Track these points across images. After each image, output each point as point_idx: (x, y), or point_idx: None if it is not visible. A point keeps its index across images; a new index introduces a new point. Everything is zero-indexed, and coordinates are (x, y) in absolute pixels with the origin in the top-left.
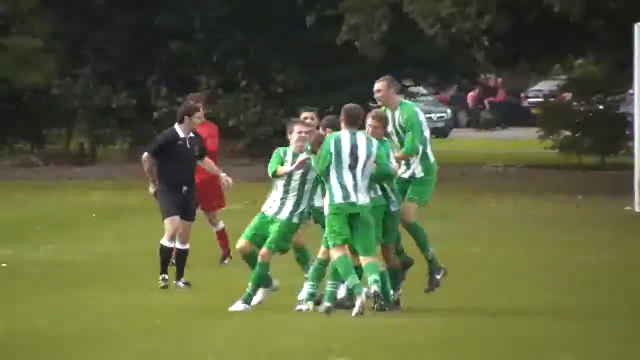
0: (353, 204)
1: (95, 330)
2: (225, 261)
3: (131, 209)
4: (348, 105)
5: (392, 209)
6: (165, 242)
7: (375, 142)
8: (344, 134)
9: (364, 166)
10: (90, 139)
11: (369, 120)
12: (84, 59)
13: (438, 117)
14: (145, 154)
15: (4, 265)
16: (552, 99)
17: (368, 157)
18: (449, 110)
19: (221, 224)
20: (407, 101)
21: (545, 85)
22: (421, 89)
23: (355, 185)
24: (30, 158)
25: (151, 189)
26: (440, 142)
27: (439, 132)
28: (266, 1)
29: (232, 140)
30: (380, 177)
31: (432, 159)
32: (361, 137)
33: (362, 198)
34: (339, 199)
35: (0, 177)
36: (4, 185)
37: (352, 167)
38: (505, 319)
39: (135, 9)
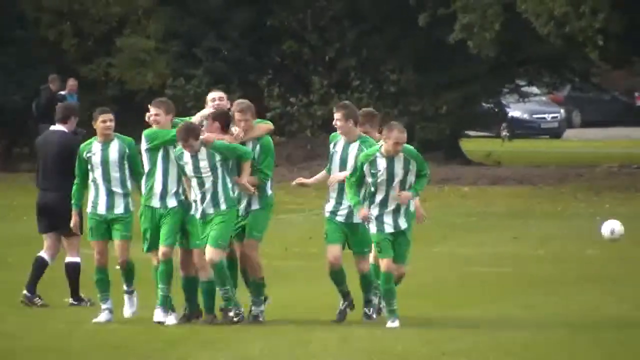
0: None
1: (199, 333)
2: None
3: None
4: None
5: None
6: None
7: None
8: None
9: None
10: None
11: None
12: (198, 59)
13: (552, 118)
14: None
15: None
16: None
17: None
18: (562, 111)
19: None
20: None
21: None
22: (534, 89)
23: None
24: None
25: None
26: (553, 143)
27: (552, 133)
28: (378, 0)
29: None
30: None
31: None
32: None
33: None
34: None
35: None
36: None
37: None
38: None
39: (248, 9)
